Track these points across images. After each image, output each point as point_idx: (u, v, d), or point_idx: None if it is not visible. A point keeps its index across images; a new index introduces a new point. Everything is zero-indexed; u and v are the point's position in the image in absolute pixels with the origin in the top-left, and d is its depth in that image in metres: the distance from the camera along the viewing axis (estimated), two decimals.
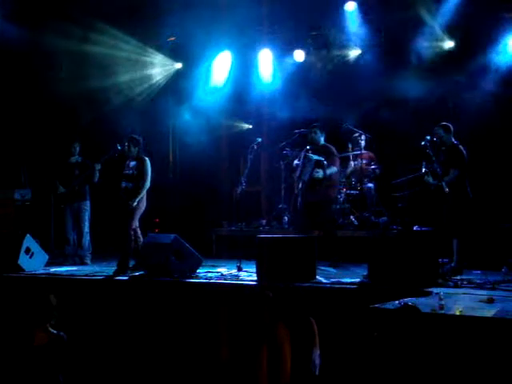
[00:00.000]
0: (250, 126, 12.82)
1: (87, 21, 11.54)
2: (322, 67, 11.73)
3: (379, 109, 10.83)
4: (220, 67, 12.44)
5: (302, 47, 11.92)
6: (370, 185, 11.08)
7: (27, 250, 9.70)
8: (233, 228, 11.62)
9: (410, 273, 7.51)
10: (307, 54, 11.94)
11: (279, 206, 11.72)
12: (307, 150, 9.72)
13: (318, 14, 11.13)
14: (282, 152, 11.32)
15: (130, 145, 9.85)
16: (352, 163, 11.29)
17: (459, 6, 10.18)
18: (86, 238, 10.58)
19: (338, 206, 10.93)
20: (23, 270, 9.58)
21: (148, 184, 9.74)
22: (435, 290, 7.10)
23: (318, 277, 8.24)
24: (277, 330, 5.82)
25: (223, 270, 9.31)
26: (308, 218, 9.62)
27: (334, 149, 9.79)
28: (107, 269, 9.75)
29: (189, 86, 12.47)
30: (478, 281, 7.98)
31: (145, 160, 9.83)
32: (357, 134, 11.11)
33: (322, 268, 8.95)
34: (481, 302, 6.72)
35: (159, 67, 12.84)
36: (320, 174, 9.41)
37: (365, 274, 8.09)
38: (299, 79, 11.81)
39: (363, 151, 11.08)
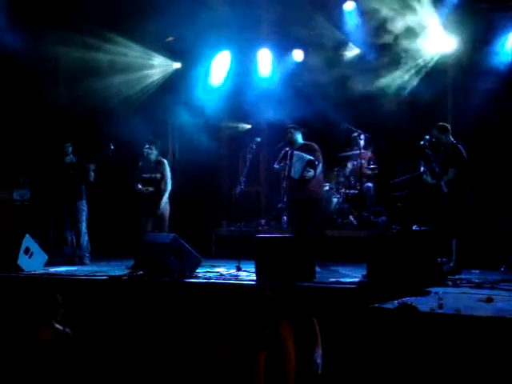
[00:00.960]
0: (249, 126, 12.81)
1: (84, 23, 11.54)
2: (321, 67, 11.72)
3: (378, 108, 10.81)
4: (219, 67, 12.44)
5: (301, 47, 11.92)
6: (369, 184, 11.08)
7: (26, 250, 9.70)
8: (232, 228, 11.63)
9: (410, 272, 7.52)
10: (306, 53, 11.93)
11: (278, 206, 11.71)
12: (290, 149, 9.65)
13: (317, 14, 11.12)
14: (280, 152, 11.30)
15: (153, 147, 9.90)
16: (351, 163, 11.29)
17: (459, 5, 10.18)
18: (84, 238, 10.55)
19: (336, 206, 10.94)
20: (22, 270, 9.58)
21: (170, 186, 9.82)
22: (434, 290, 7.13)
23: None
24: (280, 327, 5.84)
25: (222, 270, 9.32)
26: (297, 215, 9.61)
27: (316, 145, 9.72)
28: (107, 269, 9.77)
29: (188, 85, 12.46)
30: (477, 280, 8.01)
31: (164, 163, 9.93)
32: (356, 134, 11.11)
33: None
34: (480, 301, 6.73)
35: (158, 67, 12.83)
36: (311, 173, 9.38)
37: (364, 273, 8.10)
38: (298, 79, 11.81)
39: (362, 151, 11.08)
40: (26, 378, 6.03)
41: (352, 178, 11.16)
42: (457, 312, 6.07)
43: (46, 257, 10.08)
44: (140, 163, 10.27)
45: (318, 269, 8.67)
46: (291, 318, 5.93)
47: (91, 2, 11.42)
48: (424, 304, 6.34)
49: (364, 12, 11.04)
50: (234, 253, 10.21)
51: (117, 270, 9.68)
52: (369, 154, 11.27)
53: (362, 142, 11.10)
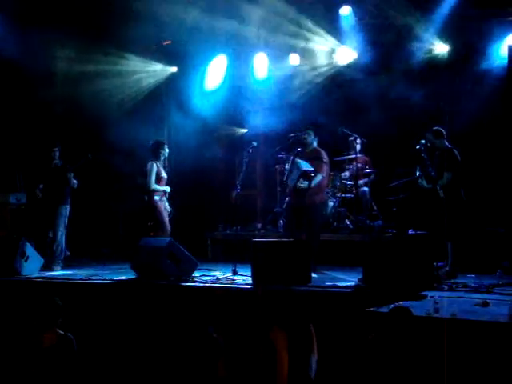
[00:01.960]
0: (246, 130, 12.83)
1: (80, 26, 11.55)
2: (317, 71, 11.75)
3: (374, 113, 10.83)
4: (215, 71, 12.45)
5: (297, 51, 11.93)
6: (365, 189, 11.10)
7: (22, 254, 9.68)
8: (228, 232, 11.65)
9: (405, 276, 7.53)
10: (302, 57, 11.95)
11: (274, 210, 11.74)
12: (296, 154, 9.67)
13: (313, 18, 11.14)
14: (277, 156, 11.32)
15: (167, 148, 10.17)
16: (347, 167, 11.31)
17: (452, 10, 10.21)
18: (58, 244, 10.34)
19: (332, 210, 10.95)
20: (19, 274, 9.57)
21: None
22: (430, 294, 7.12)
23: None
24: (271, 333, 5.82)
25: (218, 274, 9.31)
26: (293, 220, 9.62)
27: (324, 154, 9.73)
28: (102, 272, 9.77)
29: (184, 89, 12.48)
30: (473, 284, 8.01)
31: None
32: (352, 138, 11.12)
33: None
34: (476, 305, 6.74)
35: (154, 71, 12.84)
36: (305, 184, 9.37)
37: (360, 277, 8.10)
38: (294, 83, 11.83)
39: (358, 155, 11.10)
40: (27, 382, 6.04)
41: (348, 182, 11.18)
42: (452, 316, 6.07)
43: (42, 260, 10.06)
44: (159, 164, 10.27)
45: (313, 274, 8.71)
46: (285, 323, 5.91)
47: (87, 5, 11.42)
48: (420, 308, 6.34)
49: (360, 16, 11.09)
50: (230, 256, 10.21)
51: (112, 273, 9.68)
52: (365, 158, 11.29)
53: (358, 147, 11.11)
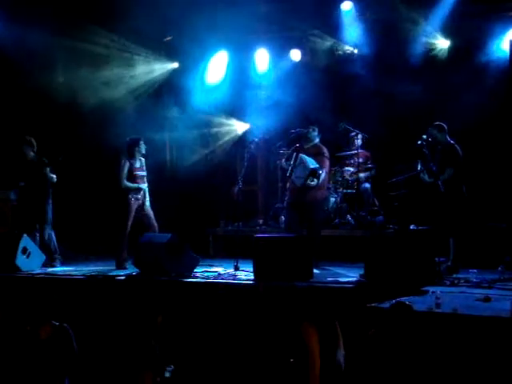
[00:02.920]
0: (247, 126, 12.82)
1: (78, 21, 11.53)
2: (319, 66, 11.74)
3: (375, 108, 10.82)
4: (217, 67, 12.44)
5: (298, 46, 11.92)
6: (367, 184, 11.09)
7: (24, 250, 9.70)
8: (230, 227, 11.64)
9: (407, 272, 7.53)
10: (304, 53, 11.94)
11: (276, 206, 11.73)
12: (298, 149, 9.67)
13: (315, 14, 11.12)
14: (278, 151, 11.33)
15: (144, 145, 9.93)
16: (349, 162, 11.30)
17: (453, 6, 10.19)
18: (50, 240, 10.28)
19: (334, 206, 10.94)
20: (20, 270, 9.59)
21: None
22: (432, 289, 7.12)
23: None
24: (302, 327, 5.87)
25: (220, 270, 9.32)
26: (294, 216, 9.62)
27: (325, 150, 9.76)
28: (103, 268, 9.77)
29: (185, 85, 12.46)
30: (475, 280, 7.99)
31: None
32: (353, 134, 11.12)
33: None
34: (477, 300, 6.74)
35: (156, 67, 12.83)
36: (314, 183, 9.40)
37: (361, 273, 8.11)
38: (296, 78, 11.81)
39: (360, 150, 11.09)
40: (27, 376, 6.06)
41: (349, 178, 11.17)
42: (454, 311, 6.08)
43: (44, 257, 10.08)
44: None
45: (315, 270, 8.71)
46: (314, 318, 5.96)
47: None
48: (421, 303, 6.35)
49: (361, 12, 11.08)
50: (231, 252, 10.20)
51: (114, 269, 9.68)
52: (366, 153, 11.28)
53: (359, 142, 11.12)
